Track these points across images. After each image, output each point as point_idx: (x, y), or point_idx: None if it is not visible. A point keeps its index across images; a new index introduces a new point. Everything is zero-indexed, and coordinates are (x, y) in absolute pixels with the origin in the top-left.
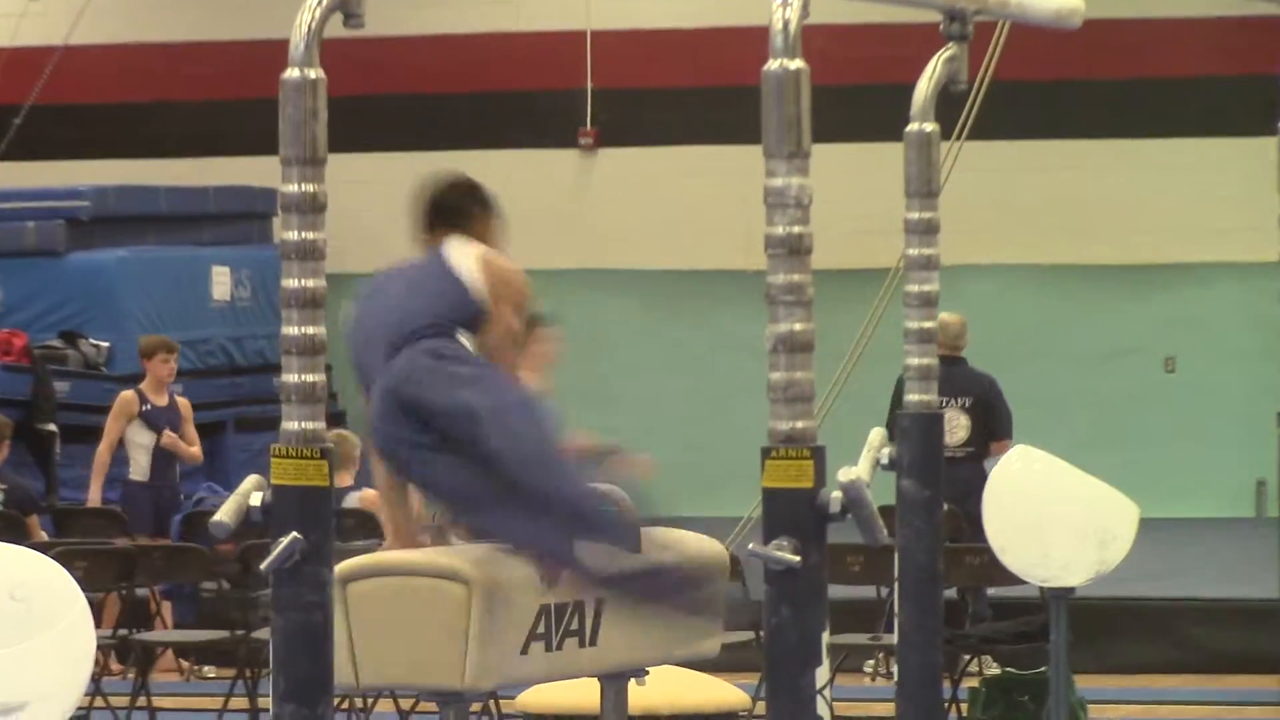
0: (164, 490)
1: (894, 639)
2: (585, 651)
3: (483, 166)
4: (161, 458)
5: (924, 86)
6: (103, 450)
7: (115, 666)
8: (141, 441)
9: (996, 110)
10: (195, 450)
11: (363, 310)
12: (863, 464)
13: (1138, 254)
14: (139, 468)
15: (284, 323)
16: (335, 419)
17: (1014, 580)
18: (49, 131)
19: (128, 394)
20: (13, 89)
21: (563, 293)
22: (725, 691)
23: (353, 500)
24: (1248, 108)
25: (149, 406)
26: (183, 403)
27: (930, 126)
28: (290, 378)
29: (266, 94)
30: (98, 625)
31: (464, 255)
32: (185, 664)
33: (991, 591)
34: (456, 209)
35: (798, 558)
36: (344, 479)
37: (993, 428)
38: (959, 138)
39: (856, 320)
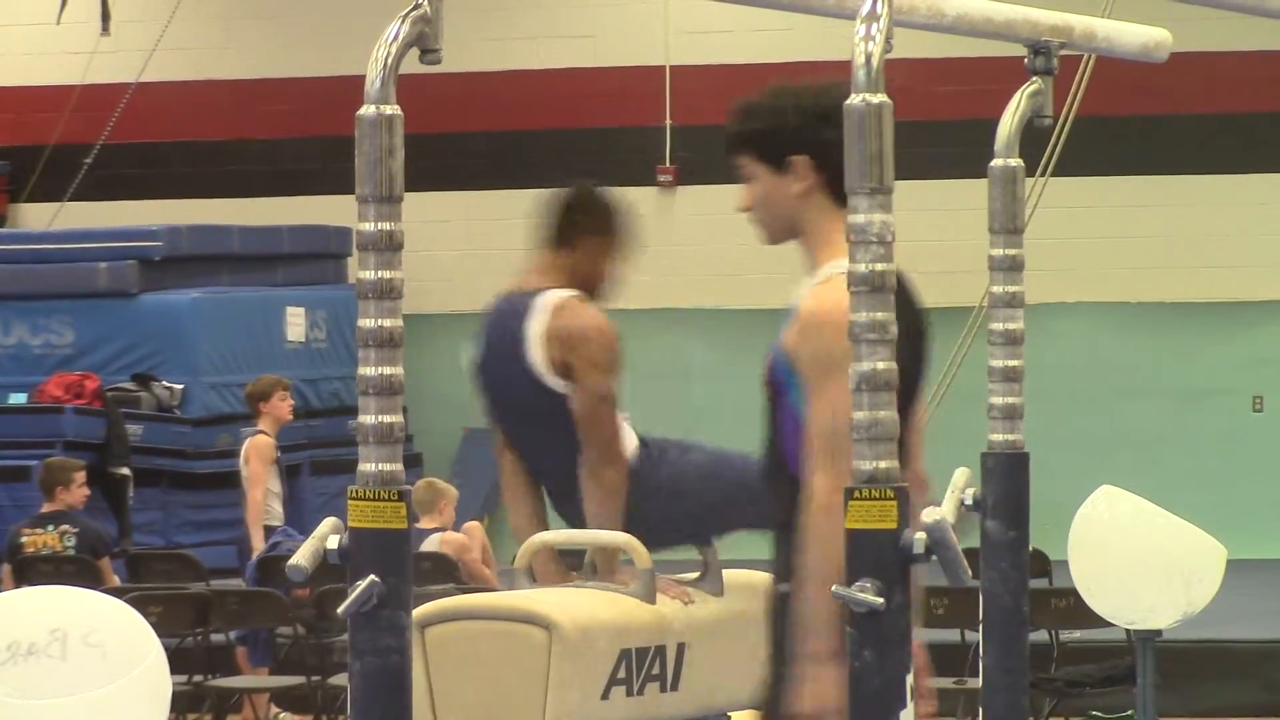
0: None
1: (978, 683)
2: (667, 696)
3: None
4: (289, 503)
5: (1007, 121)
6: (259, 498)
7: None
8: (275, 489)
9: (1082, 146)
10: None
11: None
12: (947, 504)
13: (1225, 291)
14: (275, 514)
15: (360, 363)
16: (411, 461)
17: (1100, 622)
18: (121, 170)
19: (266, 439)
20: (84, 127)
21: (641, 332)
22: None
23: (434, 543)
24: None
25: (279, 452)
26: None
27: (1014, 162)
28: (367, 419)
29: (341, 132)
30: (173, 671)
31: (537, 324)
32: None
33: (1078, 634)
34: (564, 223)
35: (881, 599)
36: (427, 523)
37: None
38: (1044, 174)
39: (941, 359)
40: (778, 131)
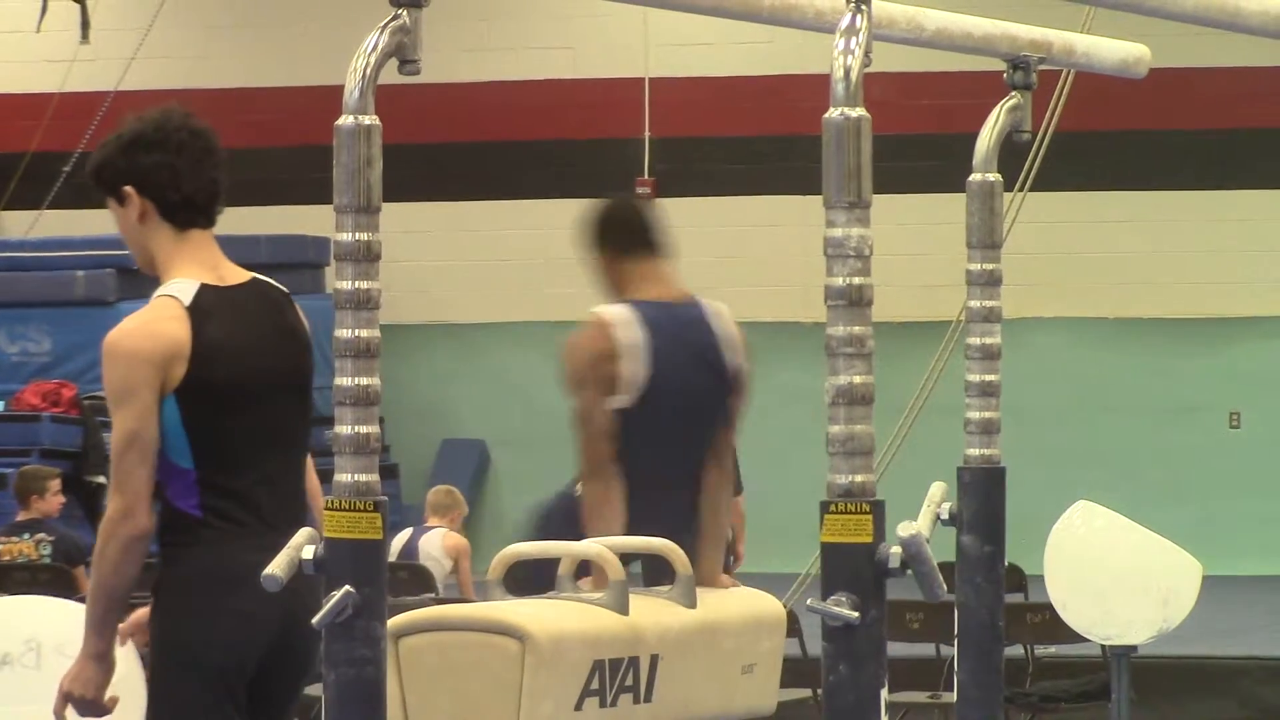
0: None
1: (953, 697)
2: (640, 708)
3: (538, 216)
4: None
5: (986, 136)
6: None
7: None
8: None
9: (1060, 161)
10: None
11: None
12: (923, 518)
13: (1202, 307)
14: None
15: (337, 373)
16: (387, 471)
17: (1076, 638)
18: None
19: None
20: (63, 136)
21: None
22: None
23: (435, 539)
24: None
25: None
26: None
27: (993, 177)
28: (343, 429)
29: (320, 141)
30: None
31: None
32: None
33: (1053, 649)
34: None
35: (856, 614)
36: (434, 524)
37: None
38: (1022, 189)
39: (918, 373)
40: (104, 166)
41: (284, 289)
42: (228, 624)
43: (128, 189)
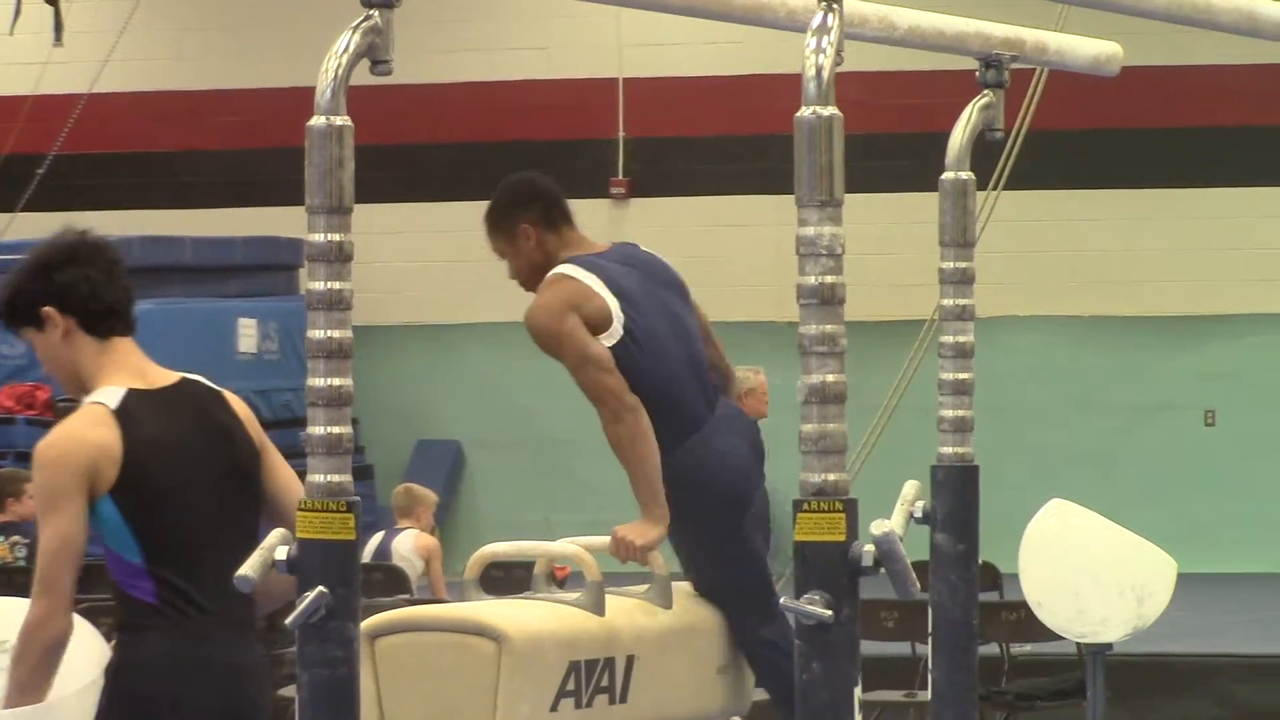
0: None
1: (928, 696)
2: (616, 709)
3: None
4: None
5: (959, 134)
6: None
7: None
8: None
9: (1033, 159)
10: None
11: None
12: (896, 517)
13: (1176, 306)
14: None
15: (309, 374)
16: (362, 472)
17: (1051, 636)
18: (73, 181)
19: None
20: (36, 138)
21: None
22: None
23: (407, 539)
24: None
25: None
26: None
27: (966, 175)
28: (316, 430)
29: (294, 143)
30: None
31: None
32: None
33: (1028, 647)
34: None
35: (830, 612)
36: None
37: None
38: (995, 187)
39: (892, 372)
40: (18, 295)
41: (214, 387)
42: (178, 713)
43: (48, 310)
